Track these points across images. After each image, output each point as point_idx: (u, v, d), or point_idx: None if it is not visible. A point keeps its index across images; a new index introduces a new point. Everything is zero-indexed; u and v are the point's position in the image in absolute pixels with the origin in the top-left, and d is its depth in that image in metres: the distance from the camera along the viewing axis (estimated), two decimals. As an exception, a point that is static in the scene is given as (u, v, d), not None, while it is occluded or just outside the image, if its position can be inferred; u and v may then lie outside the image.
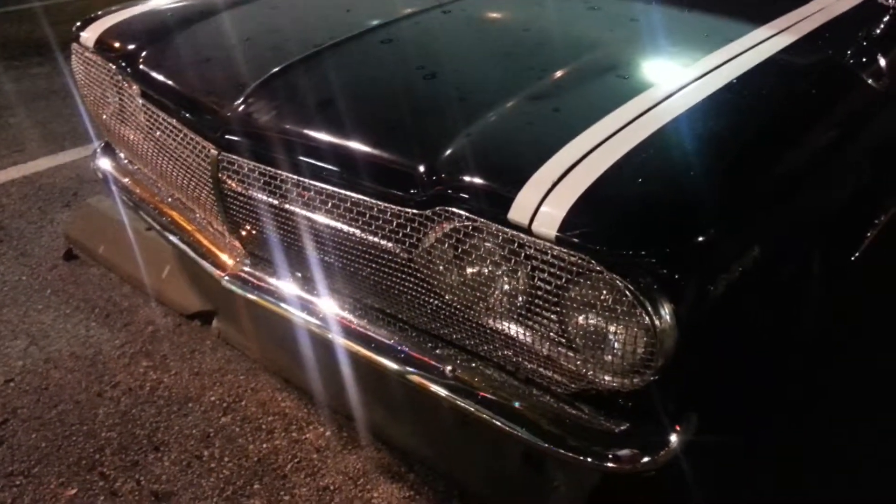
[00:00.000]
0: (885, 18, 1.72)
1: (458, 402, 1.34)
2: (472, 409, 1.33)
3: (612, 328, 1.16)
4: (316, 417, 1.94)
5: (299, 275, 1.57)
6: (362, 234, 1.36)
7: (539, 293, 1.19)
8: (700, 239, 1.15)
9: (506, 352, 1.31)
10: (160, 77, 1.72)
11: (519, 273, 1.22)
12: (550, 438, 1.27)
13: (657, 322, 1.11)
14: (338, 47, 1.65)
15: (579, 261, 1.13)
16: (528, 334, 1.25)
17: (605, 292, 1.14)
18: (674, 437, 1.26)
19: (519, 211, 1.16)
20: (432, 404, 1.39)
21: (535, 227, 1.14)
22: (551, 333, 1.22)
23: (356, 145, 1.37)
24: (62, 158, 3.40)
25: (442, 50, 1.66)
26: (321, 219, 1.41)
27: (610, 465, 1.24)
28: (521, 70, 1.53)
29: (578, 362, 1.22)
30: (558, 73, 1.48)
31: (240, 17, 1.94)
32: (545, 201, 1.15)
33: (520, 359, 1.30)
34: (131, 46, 1.82)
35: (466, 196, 1.22)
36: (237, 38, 1.82)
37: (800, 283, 1.43)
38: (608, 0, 1.95)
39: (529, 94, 1.42)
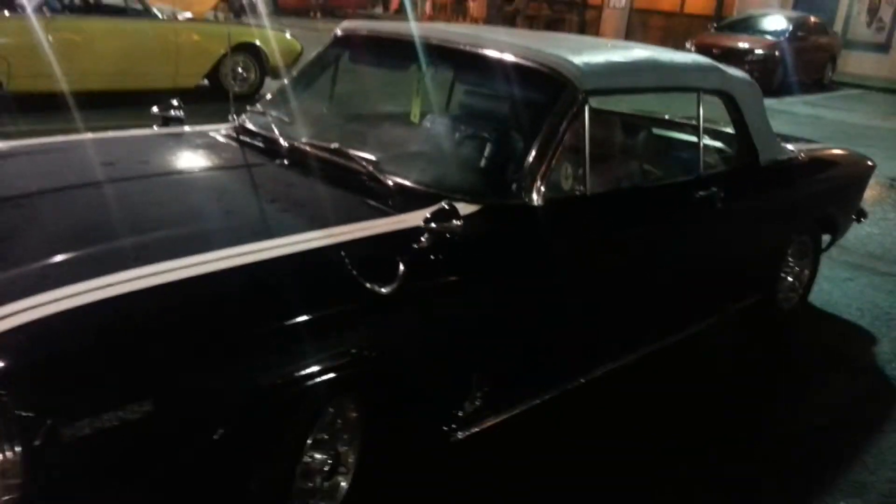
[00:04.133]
0: (422, 238, 2.09)
1: None
2: None
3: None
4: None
5: None
6: None
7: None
8: (54, 391, 1.48)
9: None
10: None
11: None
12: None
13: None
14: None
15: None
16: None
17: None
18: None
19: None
20: None
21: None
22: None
23: None
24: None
25: (38, 221, 2.07)
26: None
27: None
28: (70, 243, 1.89)
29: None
30: (100, 246, 1.88)
31: None
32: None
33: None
34: None
35: None
36: None
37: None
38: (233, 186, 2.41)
39: (54, 261, 1.79)
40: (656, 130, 3.65)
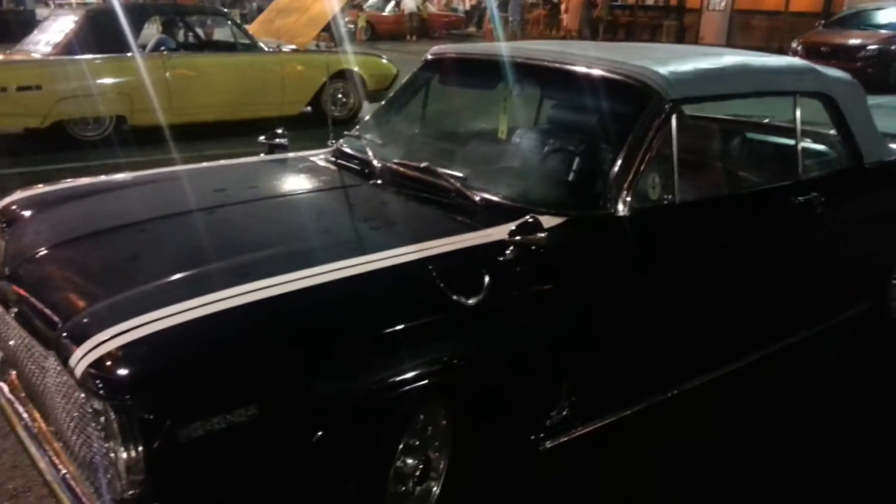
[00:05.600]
0: (507, 251, 2.15)
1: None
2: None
3: (110, 451, 1.65)
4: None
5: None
6: (33, 366, 1.96)
7: (83, 420, 1.72)
8: (172, 396, 1.64)
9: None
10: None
11: (74, 403, 1.74)
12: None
13: (125, 453, 1.60)
14: (100, 234, 2.33)
15: (91, 400, 1.64)
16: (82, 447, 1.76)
17: (104, 426, 1.64)
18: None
19: (74, 359, 1.70)
20: None
21: (75, 374, 1.68)
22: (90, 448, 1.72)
23: (42, 302, 1.99)
24: None
25: (160, 243, 2.28)
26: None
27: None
28: (187, 263, 2.07)
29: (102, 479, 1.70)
30: (211, 266, 2.04)
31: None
32: (89, 353, 1.69)
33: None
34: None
35: (67, 343, 1.78)
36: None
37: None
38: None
39: (174, 279, 1.98)
40: (751, 135, 3.56)
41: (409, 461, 2.10)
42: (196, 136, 7.76)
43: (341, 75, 9.08)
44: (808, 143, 3.22)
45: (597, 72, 2.70)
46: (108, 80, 7.48)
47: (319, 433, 1.80)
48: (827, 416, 3.07)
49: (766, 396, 3.14)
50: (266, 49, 8.75)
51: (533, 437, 2.32)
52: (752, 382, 3.11)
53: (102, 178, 2.91)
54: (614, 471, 2.60)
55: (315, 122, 8.48)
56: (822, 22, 15.25)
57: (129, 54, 7.50)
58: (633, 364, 2.54)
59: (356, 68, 9.14)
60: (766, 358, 3.05)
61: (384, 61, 9.60)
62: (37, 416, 2.05)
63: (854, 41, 13.08)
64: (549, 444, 2.35)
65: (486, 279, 2.08)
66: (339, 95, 9.14)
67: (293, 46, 9.37)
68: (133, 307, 1.81)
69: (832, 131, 3.34)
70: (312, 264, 2.01)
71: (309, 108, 8.98)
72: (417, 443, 2.12)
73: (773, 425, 2.97)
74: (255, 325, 1.82)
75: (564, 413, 2.34)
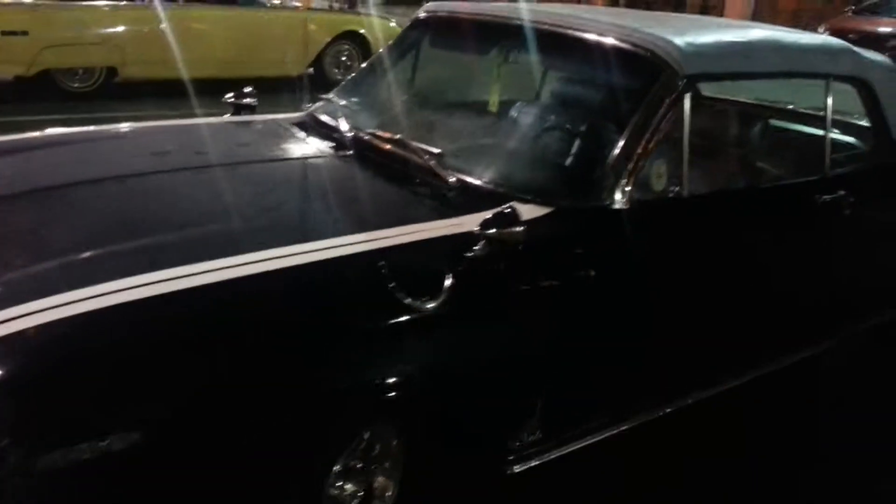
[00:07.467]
0: (477, 246, 1.81)
1: None
2: None
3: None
4: None
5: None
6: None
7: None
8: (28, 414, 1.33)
9: None
10: None
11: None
12: None
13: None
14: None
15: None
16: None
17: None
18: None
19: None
20: None
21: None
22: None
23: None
24: None
25: (64, 215, 1.95)
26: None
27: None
28: (82, 243, 1.75)
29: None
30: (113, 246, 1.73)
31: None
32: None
33: None
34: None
35: None
36: None
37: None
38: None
39: (72, 258, 1.67)
40: (775, 122, 3.19)
41: (348, 486, 1.79)
42: (189, 93, 7.42)
43: (347, 37, 8.68)
44: (837, 134, 2.85)
45: (603, 39, 2.34)
46: (98, 29, 7.09)
47: (228, 455, 1.48)
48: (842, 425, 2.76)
49: (775, 417, 2.81)
50: (267, 4, 8.36)
51: (499, 461, 2.00)
52: (759, 401, 2.78)
53: (31, 134, 2.57)
54: (592, 499, 2.29)
55: (319, 85, 8.10)
56: (853, 7, 14.61)
57: (122, 2, 7.14)
58: (619, 381, 2.20)
59: (362, 30, 8.74)
60: (778, 373, 2.72)
61: (392, 24, 9.16)
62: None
63: (885, 29, 12.46)
64: (517, 469, 2.03)
65: (449, 280, 1.75)
66: (343, 58, 8.74)
67: (296, 3, 8.98)
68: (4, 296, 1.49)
69: (864, 122, 2.97)
70: (240, 251, 1.69)
71: (311, 70, 8.59)
72: (360, 465, 1.80)
73: (781, 448, 2.65)
74: (151, 325, 1.49)
75: (537, 434, 2.02)
